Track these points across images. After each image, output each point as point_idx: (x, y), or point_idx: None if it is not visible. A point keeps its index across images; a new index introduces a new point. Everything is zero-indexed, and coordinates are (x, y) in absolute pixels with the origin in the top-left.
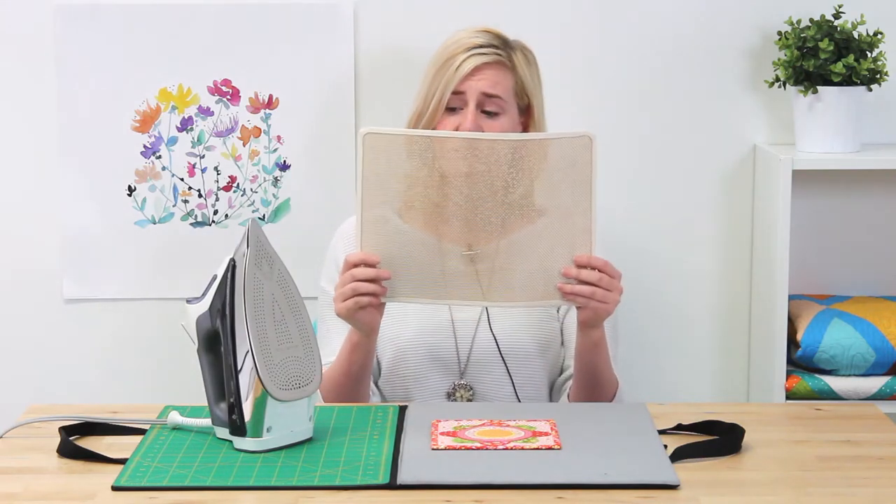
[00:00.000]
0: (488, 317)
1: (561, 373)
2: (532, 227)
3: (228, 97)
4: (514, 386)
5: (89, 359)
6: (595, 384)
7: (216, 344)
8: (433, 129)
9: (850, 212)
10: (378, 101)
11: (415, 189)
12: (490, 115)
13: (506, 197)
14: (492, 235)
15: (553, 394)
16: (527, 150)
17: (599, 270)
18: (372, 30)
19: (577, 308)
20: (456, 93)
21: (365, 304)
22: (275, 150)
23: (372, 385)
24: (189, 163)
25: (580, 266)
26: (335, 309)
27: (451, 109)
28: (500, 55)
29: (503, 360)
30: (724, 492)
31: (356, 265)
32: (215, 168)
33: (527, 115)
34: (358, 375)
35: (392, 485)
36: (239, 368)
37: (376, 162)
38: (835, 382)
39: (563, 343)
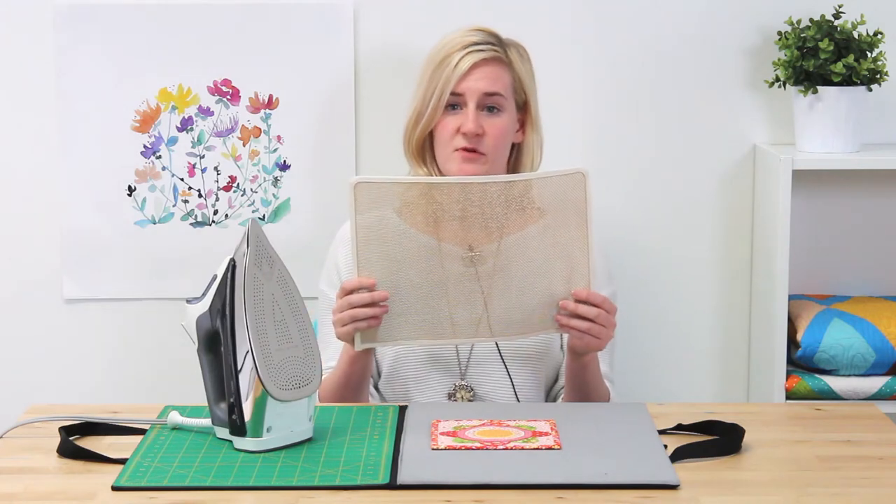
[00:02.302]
0: (488, 318)
1: (556, 380)
2: (529, 264)
3: (228, 97)
4: (513, 387)
5: (89, 359)
6: (585, 398)
7: (216, 344)
8: (433, 129)
9: (850, 212)
10: (378, 101)
11: (409, 235)
12: (491, 111)
13: (501, 238)
14: (491, 279)
15: (548, 401)
16: (519, 190)
17: (598, 306)
18: (372, 30)
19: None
20: (455, 93)
21: (364, 327)
22: (275, 150)
23: (371, 389)
24: (189, 163)
25: (579, 301)
26: (335, 333)
27: (450, 106)
28: (496, 51)
29: (503, 361)
30: (724, 492)
31: (352, 291)
32: (215, 168)
33: (524, 112)
34: (357, 385)
35: (392, 485)
36: (239, 368)
37: (369, 211)
38: (835, 382)
39: (561, 346)
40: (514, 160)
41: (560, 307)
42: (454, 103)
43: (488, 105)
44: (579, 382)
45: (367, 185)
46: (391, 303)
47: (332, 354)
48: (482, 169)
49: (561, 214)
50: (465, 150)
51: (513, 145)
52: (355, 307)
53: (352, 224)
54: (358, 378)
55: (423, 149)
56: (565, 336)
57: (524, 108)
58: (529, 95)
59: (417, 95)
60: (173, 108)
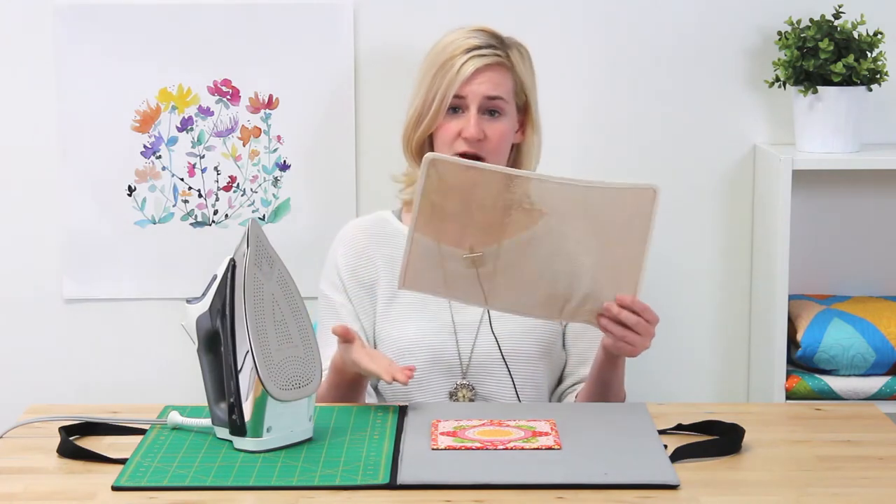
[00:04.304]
0: (489, 318)
1: (561, 380)
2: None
3: (228, 97)
4: (515, 388)
5: (89, 359)
6: (604, 397)
7: (216, 344)
8: (434, 131)
9: (850, 212)
10: (378, 101)
11: (474, 219)
12: (492, 115)
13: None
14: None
15: (553, 401)
16: (592, 197)
17: (639, 314)
18: (372, 30)
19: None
20: (457, 96)
21: None
22: (275, 150)
23: (370, 389)
24: (189, 163)
25: (623, 306)
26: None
27: (451, 109)
28: (499, 55)
29: (505, 362)
30: (724, 492)
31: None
32: (215, 168)
33: (524, 114)
34: (353, 394)
35: (392, 485)
36: (239, 368)
37: (438, 187)
38: (835, 382)
39: (564, 346)
40: (514, 161)
41: (604, 309)
42: (456, 106)
43: (490, 109)
44: (605, 380)
45: (442, 163)
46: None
47: (332, 355)
48: None
49: (622, 225)
50: (466, 154)
51: (512, 146)
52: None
53: (417, 199)
54: (349, 383)
55: (423, 149)
56: (567, 336)
57: (524, 110)
58: (530, 97)
59: (418, 96)
60: (173, 108)
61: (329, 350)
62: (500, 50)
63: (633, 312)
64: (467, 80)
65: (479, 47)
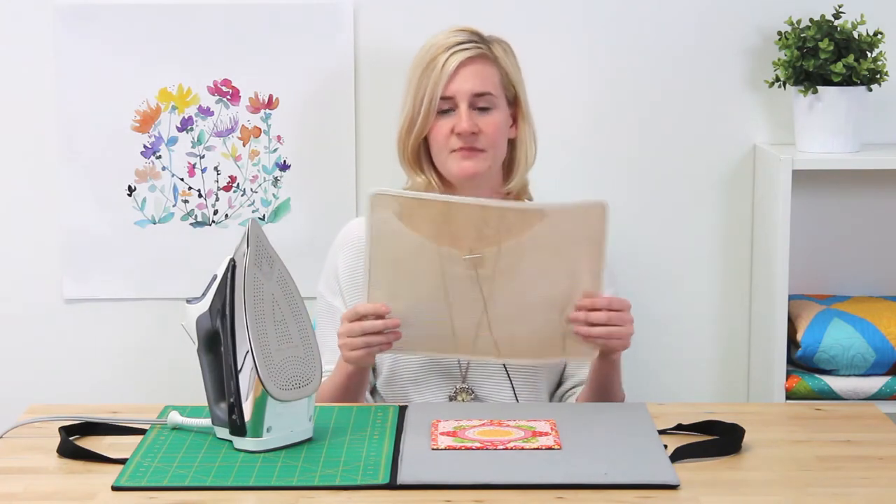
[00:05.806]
0: (489, 322)
1: (561, 382)
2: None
3: (228, 97)
4: (514, 391)
5: (89, 359)
6: (605, 398)
7: (216, 344)
8: (427, 133)
9: (850, 212)
10: (378, 101)
11: (415, 242)
12: (483, 110)
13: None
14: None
15: (554, 402)
16: (538, 217)
17: (605, 309)
18: (372, 30)
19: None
20: (445, 97)
21: (376, 352)
22: (275, 150)
23: (368, 395)
24: (189, 163)
25: (582, 310)
26: (343, 355)
27: (442, 111)
28: (481, 48)
29: (504, 365)
30: (724, 492)
31: (365, 316)
32: (215, 168)
33: (515, 107)
34: (355, 394)
35: (392, 485)
36: (239, 368)
37: (384, 221)
38: (835, 382)
39: None
40: (510, 155)
41: (571, 320)
42: (446, 107)
43: (479, 104)
44: (606, 382)
45: (385, 198)
46: (398, 314)
47: (330, 357)
48: (482, 165)
49: (576, 242)
50: (463, 148)
51: (507, 141)
52: (368, 334)
53: (367, 236)
54: (356, 388)
55: (419, 155)
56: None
57: (514, 103)
58: (518, 89)
59: (407, 101)
60: (173, 108)
61: (328, 353)
62: (481, 44)
63: (599, 310)
64: (453, 78)
65: (461, 43)
